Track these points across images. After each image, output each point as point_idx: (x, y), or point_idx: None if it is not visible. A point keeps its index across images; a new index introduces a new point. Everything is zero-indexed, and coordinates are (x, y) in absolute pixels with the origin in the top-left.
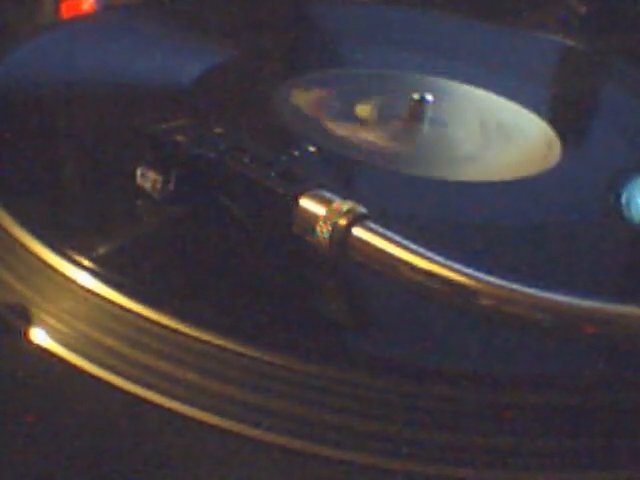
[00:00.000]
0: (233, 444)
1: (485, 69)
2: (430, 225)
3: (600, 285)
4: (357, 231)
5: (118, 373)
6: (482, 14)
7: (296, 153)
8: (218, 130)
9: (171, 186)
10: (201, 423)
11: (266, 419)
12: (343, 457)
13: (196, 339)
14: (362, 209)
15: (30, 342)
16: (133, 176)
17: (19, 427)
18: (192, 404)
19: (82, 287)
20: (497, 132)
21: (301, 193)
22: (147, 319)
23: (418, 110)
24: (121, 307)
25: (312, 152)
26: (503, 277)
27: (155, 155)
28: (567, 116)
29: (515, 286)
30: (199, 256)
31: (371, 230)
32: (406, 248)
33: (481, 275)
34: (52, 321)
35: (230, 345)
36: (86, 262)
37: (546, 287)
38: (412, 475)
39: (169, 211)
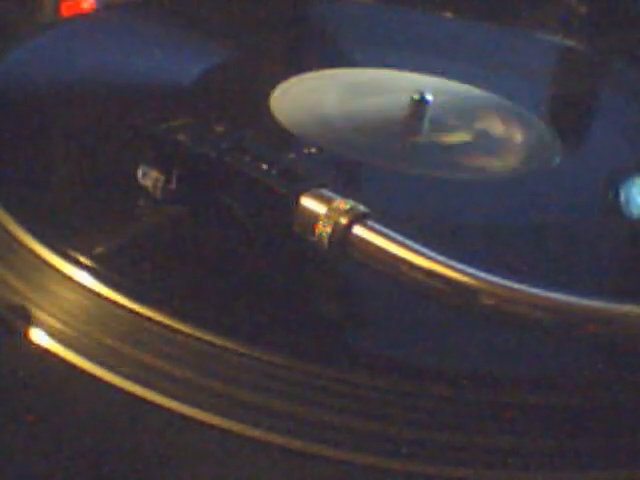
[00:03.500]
0: (233, 444)
1: (485, 69)
2: (430, 224)
3: (600, 284)
4: (358, 230)
5: (118, 373)
6: (482, 14)
7: (295, 154)
8: (219, 129)
9: (172, 185)
10: (201, 423)
11: (266, 419)
12: (343, 457)
13: (196, 339)
14: (363, 208)
15: (30, 342)
16: (133, 176)
17: (19, 427)
18: (192, 404)
19: (82, 286)
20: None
21: (302, 192)
22: (147, 319)
23: (418, 110)
24: (121, 307)
25: (312, 152)
26: (503, 276)
27: (156, 154)
28: (567, 116)
29: (516, 285)
30: (199, 256)
31: (372, 229)
32: (407, 247)
33: (481, 274)
34: (52, 321)
35: (230, 345)
36: (86, 261)
37: (546, 286)
38: (412, 475)
39: (170, 210)
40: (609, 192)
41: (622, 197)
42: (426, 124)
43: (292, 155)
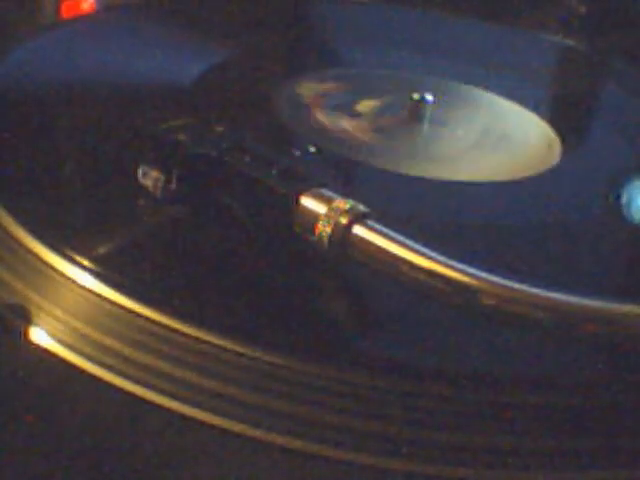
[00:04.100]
0: (233, 444)
1: (485, 69)
2: (430, 225)
3: (600, 285)
4: (358, 229)
5: (118, 373)
6: (482, 14)
7: (296, 154)
8: (219, 129)
9: (173, 185)
10: (201, 423)
11: (266, 419)
12: (343, 457)
13: (196, 339)
14: (363, 208)
15: (30, 342)
16: (133, 176)
17: (19, 427)
18: (192, 404)
19: (82, 287)
20: (497, 132)
21: (302, 192)
22: (147, 319)
23: (418, 110)
24: (121, 307)
25: (312, 152)
26: (503, 277)
27: (156, 154)
28: (567, 116)
29: (516, 285)
30: (199, 256)
31: (372, 229)
32: (407, 247)
33: (482, 274)
34: (52, 321)
35: (230, 345)
36: (86, 262)
37: (546, 286)
38: (412, 475)
39: (170, 210)
40: (610, 194)
41: (623, 199)
42: (426, 124)
43: (292, 155)
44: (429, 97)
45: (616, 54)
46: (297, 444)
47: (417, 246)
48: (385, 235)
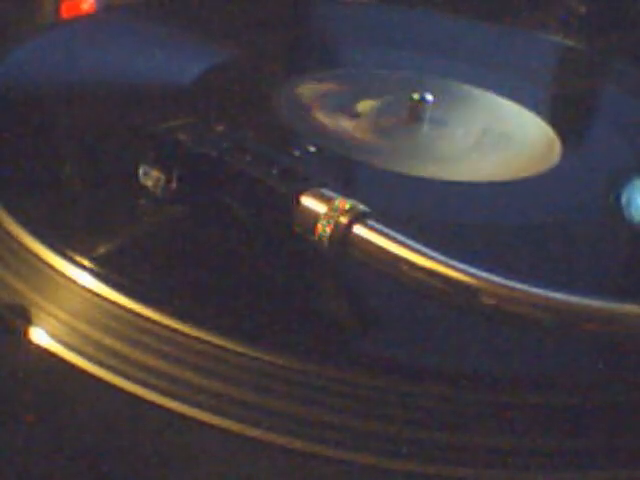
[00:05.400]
0: (233, 444)
1: (485, 69)
2: (430, 225)
3: (600, 285)
4: (358, 229)
5: (118, 373)
6: (482, 14)
7: (296, 153)
8: (220, 129)
9: (173, 185)
10: (201, 423)
11: (266, 419)
12: (343, 457)
13: (196, 339)
14: (363, 207)
15: (30, 342)
16: (134, 176)
17: (19, 427)
18: (192, 404)
19: (82, 287)
20: (497, 132)
21: (302, 191)
22: (147, 319)
23: (418, 110)
24: (121, 307)
25: (312, 152)
26: (504, 276)
27: (157, 154)
28: (567, 116)
29: (516, 285)
30: (199, 256)
31: (372, 228)
32: (407, 246)
33: (482, 274)
34: (52, 321)
35: (230, 345)
36: (86, 262)
37: (546, 286)
38: (412, 475)
39: (170, 210)
40: (610, 194)
41: (623, 199)
42: (426, 124)
43: (292, 155)
44: (429, 97)
45: (616, 54)
46: (297, 444)
47: (417, 246)
48: (385, 235)
